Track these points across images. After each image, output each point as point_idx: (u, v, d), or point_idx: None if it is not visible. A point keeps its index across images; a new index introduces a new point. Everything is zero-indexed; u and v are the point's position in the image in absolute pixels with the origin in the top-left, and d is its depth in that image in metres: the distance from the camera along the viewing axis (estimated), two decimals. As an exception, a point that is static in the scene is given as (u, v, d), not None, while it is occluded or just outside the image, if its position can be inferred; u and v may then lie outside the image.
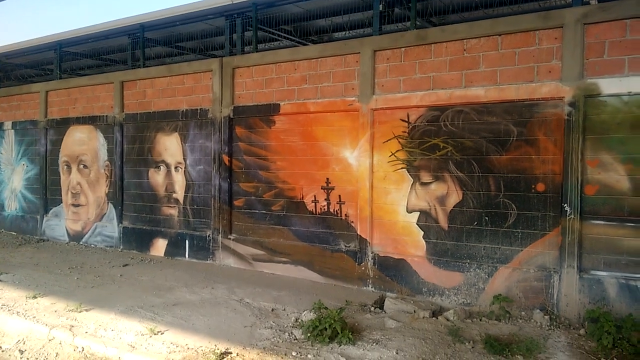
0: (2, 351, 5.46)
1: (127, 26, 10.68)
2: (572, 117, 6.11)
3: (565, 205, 6.16)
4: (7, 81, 14.95)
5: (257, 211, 8.90)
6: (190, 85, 9.77)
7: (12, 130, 13.28)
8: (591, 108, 6.06)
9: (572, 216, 6.11)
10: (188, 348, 5.19)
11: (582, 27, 6.06)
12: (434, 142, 7.11)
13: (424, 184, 7.21)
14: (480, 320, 6.18)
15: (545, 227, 6.36)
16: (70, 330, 5.66)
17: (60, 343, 5.50)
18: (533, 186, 6.43)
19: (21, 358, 5.28)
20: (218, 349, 5.07)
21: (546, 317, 6.05)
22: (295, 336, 5.53)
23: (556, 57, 6.28)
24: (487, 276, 6.68)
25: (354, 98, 7.74)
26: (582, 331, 5.77)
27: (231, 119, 9.12)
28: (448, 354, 5.06)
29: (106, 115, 11.03)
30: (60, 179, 12.06)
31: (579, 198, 6.08)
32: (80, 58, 13.17)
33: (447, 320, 6.13)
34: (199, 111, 9.55)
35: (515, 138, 6.54)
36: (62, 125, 11.96)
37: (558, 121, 6.26)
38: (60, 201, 12.05)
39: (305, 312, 6.12)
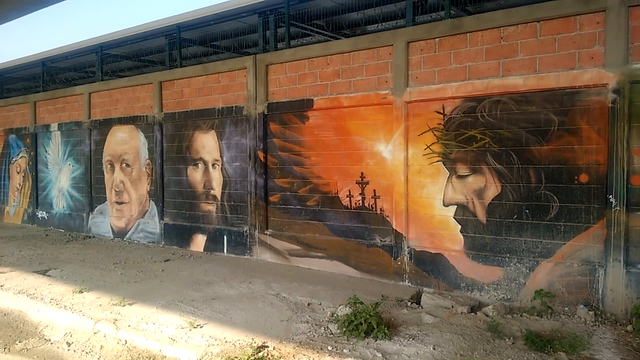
0: (51, 343, 5.72)
1: (164, 27, 10.95)
2: (617, 105, 5.84)
3: (611, 196, 5.91)
4: (53, 84, 15.60)
5: (292, 206, 8.96)
6: (226, 84, 9.91)
7: (58, 132, 13.85)
8: (637, 94, 5.78)
9: (618, 208, 5.86)
10: (226, 341, 5.29)
11: (626, 9, 5.78)
12: (470, 134, 6.96)
13: (460, 177, 7.07)
14: (521, 315, 6.02)
15: (589, 219, 6.13)
16: (114, 323, 5.85)
17: (104, 336, 5.70)
18: (576, 177, 6.20)
19: (68, 350, 5.50)
20: (255, 343, 5.13)
21: (590, 312, 5.84)
22: (331, 331, 5.54)
23: (599, 43, 6.02)
24: (528, 271, 6.49)
25: (387, 91, 7.65)
26: (629, 327, 5.53)
27: (265, 116, 9.20)
28: (487, 350, 4.95)
29: (146, 115, 11.34)
30: (104, 177, 12.50)
31: (625, 189, 5.83)
32: (120, 60, 13.61)
33: (486, 315, 5.99)
34: (234, 109, 9.68)
35: (556, 128, 6.31)
36: (105, 125, 12.38)
37: (601, 109, 6.00)
38: (105, 199, 12.49)
39: (341, 306, 6.12)
